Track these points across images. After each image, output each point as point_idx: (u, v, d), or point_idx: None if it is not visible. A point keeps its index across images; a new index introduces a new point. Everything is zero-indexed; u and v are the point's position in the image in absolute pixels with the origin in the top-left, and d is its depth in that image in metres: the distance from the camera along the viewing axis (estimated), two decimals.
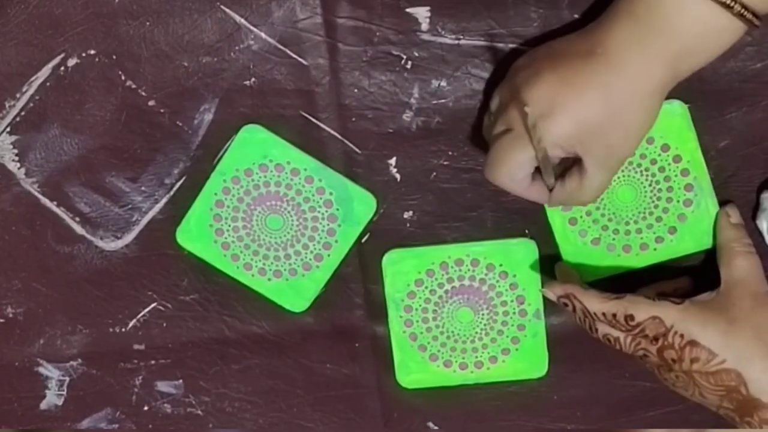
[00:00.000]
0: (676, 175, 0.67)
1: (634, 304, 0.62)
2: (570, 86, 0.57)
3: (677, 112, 0.66)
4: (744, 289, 0.63)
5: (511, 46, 0.66)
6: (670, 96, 0.63)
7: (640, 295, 0.63)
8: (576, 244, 0.68)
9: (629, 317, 0.62)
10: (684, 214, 0.67)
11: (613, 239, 0.68)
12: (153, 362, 0.72)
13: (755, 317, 0.61)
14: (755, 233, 0.68)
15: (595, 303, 0.63)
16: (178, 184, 0.69)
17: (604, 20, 0.59)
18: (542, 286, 0.68)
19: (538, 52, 0.61)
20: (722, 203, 0.67)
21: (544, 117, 0.57)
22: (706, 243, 0.68)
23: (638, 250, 0.68)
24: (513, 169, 0.60)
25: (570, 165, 0.61)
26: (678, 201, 0.67)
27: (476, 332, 0.70)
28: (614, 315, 0.63)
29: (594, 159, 0.59)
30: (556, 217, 0.68)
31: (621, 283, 0.68)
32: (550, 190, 0.62)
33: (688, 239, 0.68)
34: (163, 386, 0.73)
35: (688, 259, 0.69)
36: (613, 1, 0.59)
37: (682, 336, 0.62)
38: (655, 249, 0.68)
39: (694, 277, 0.69)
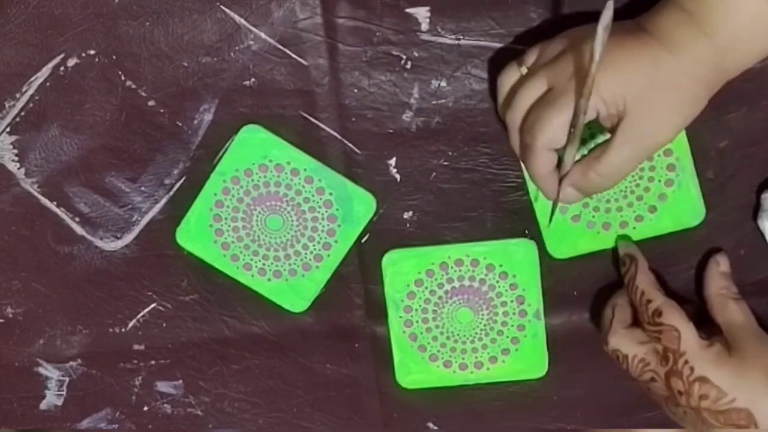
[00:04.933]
0: (659, 155, 0.67)
1: (669, 307, 0.63)
2: (623, 48, 0.57)
3: None
4: (746, 330, 0.63)
5: (510, 46, 0.66)
6: None
7: (682, 308, 0.64)
8: (556, 219, 0.68)
9: (657, 312, 0.63)
10: (665, 194, 0.67)
11: (594, 216, 0.68)
12: (153, 362, 0.72)
13: (764, 358, 0.61)
14: (756, 233, 0.68)
15: (645, 282, 0.65)
16: (178, 184, 0.69)
17: (652, 11, 0.59)
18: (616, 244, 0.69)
19: (582, 30, 0.60)
20: (719, 205, 0.68)
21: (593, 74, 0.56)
22: (685, 222, 0.68)
23: (618, 228, 0.68)
24: (557, 131, 0.58)
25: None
26: (660, 181, 0.67)
27: (476, 332, 0.70)
28: (649, 301, 0.64)
29: (628, 126, 0.57)
30: (537, 193, 0.68)
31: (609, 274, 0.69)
32: (564, 175, 0.61)
33: (668, 218, 0.68)
34: (162, 386, 0.73)
35: (674, 257, 0.69)
36: None
37: (692, 369, 0.62)
38: (634, 228, 0.68)
39: (681, 277, 0.69)
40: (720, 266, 0.67)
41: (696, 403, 0.61)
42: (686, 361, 0.62)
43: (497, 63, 0.66)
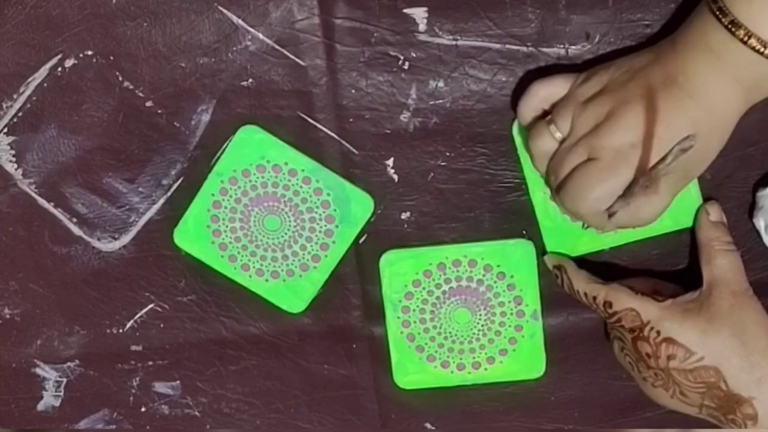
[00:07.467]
0: None
1: (615, 291, 0.64)
2: (660, 117, 0.57)
3: None
4: (724, 288, 0.63)
5: (508, 46, 0.66)
6: None
7: (625, 285, 0.64)
8: (555, 220, 0.68)
9: (608, 304, 0.64)
10: None
11: None
12: (150, 363, 0.72)
13: (733, 316, 0.62)
14: (752, 232, 0.68)
15: (581, 282, 0.65)
16: (176, 184, 0.69)
17: (680, 50, 0.58)
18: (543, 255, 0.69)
19: (613, 79, 0.60)
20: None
21: (635, 146, 0.57)
22: (685, 222, 0.68)
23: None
24: (602, 200, 0.59)
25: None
26: None
27: (474, 333, 0.70)
28: (594, 298, 0.65)
29: (671, 181, 0.59)
30: (536, 193, 0.68)
31: (610, 273, 0.69)
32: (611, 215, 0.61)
33: (667, 218, 0.67)
34: (160, 387, 0.73)
35: (674, 257, 0.69)
36: (682, 27, 0.59)
37: (658, 332, 0.62)
38: (633, 227, 0.68)
39: (680, 277, 0.69)
40: (710, 215, 0.66)
41: (665, 364, 0.62)
42: (651, 328, 0.63)
43: (494, 64, 0.66)
